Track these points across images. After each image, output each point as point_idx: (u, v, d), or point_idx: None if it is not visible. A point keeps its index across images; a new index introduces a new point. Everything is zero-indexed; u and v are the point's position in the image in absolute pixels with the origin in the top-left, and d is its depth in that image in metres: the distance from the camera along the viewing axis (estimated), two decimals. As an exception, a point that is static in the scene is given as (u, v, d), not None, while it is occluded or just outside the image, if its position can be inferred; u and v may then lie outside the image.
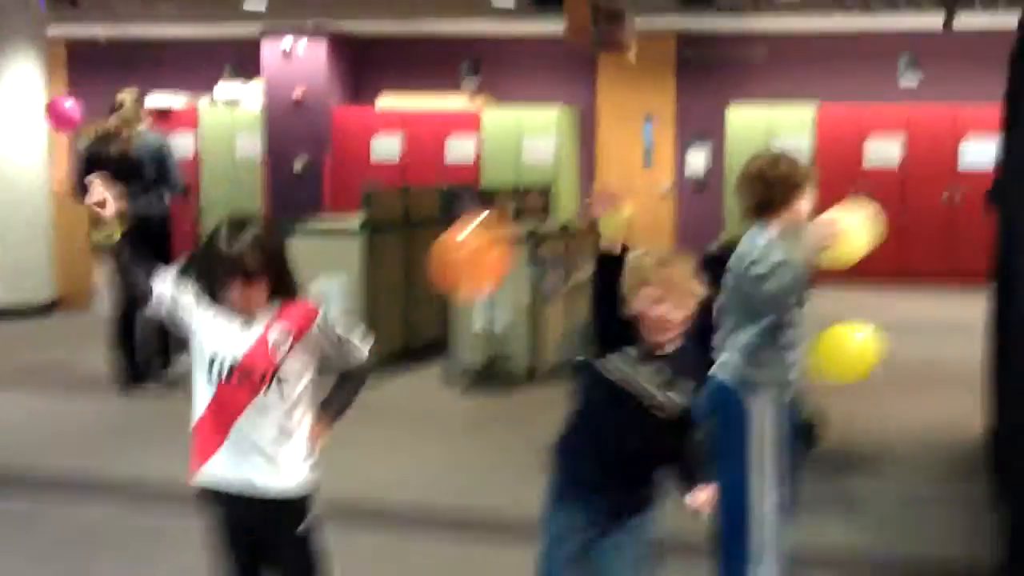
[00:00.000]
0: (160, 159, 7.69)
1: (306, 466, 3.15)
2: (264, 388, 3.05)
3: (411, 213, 8.70)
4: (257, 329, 3.07)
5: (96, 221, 3.28)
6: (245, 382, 3.05)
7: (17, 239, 10.37)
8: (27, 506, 5.26)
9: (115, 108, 7.68)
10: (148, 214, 7.42)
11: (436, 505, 5.29)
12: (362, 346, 3.22)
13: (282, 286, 3.10)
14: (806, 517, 4.32)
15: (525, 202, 9.29)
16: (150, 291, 3.12)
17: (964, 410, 6.80)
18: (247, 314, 3.06)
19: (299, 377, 3.11)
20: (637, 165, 14.56)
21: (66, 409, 7.07)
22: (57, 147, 11.10)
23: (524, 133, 14.28)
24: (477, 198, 8.49)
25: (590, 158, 14.75)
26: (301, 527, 3.15)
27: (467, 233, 3.38)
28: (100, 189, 3.22)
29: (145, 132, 7.76)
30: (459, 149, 14.41)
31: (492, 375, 7.73)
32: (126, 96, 7.74)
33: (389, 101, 14.88)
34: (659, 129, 14.53)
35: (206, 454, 3.10)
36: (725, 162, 13.49)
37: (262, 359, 3.05)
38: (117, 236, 3.16)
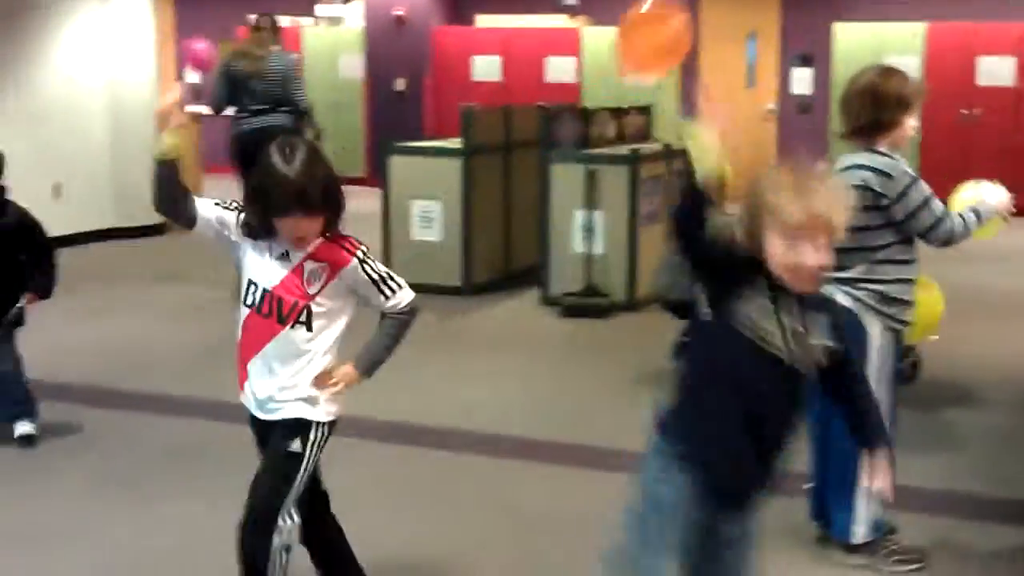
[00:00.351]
0: (287, 79, 8.23)
1: (320, 401, 3.06)
2: (292, 322, 2.98)
3: (512, 134, 8.70)
4: (293, 262, 2.98)
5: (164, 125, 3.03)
6: (274, 313, 2.98)
7: (127, 161, 10.60)
8: (140, 418, 5.46)
9: (253, 29, 8.38)
10: (274, 132, 7.83)
11: (531, 429, 5.35)
12: (401, 294, 3.08)
13: (334, 219, 2.98)
14: (900, 453, 4.27)
15: (625, 122, 9.21)
16: (194, 214, 3.00)
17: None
18: (299, 246, 2.95)
19: (331, 315, 3.02)
20: (739, 85, 14.30)
21: (175, 327, 7.27)
22: (165, 69, 11.26)
23: (625, 52, 14.10)
24: (578, 118, 8.44)
25: (691, 78, 14.53)
26: (294, 444, 3.05)
27: (649, 5, 3.22)
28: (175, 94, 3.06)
29: (277, 52, 8.31)
30: (559, 69, 14.29)
31: (590, 301, 7.74)
32: (264, 19, 8.37)
33: (488, 20, 14.80)
34: (762, 48, 14.23)
35: (240, 375, 3.11)
36: (831, 82, 13.19)
37: (293, 293, 2.97)
38: (171, 154, 2.98)
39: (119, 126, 10.59)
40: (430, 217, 8.22)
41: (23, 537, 4.09)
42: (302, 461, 3.06)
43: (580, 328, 7.40)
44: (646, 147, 8.40)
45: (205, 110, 9.45)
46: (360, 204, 9.01)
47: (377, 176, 8.92)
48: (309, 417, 3.06)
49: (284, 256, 2.98)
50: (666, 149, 8.40)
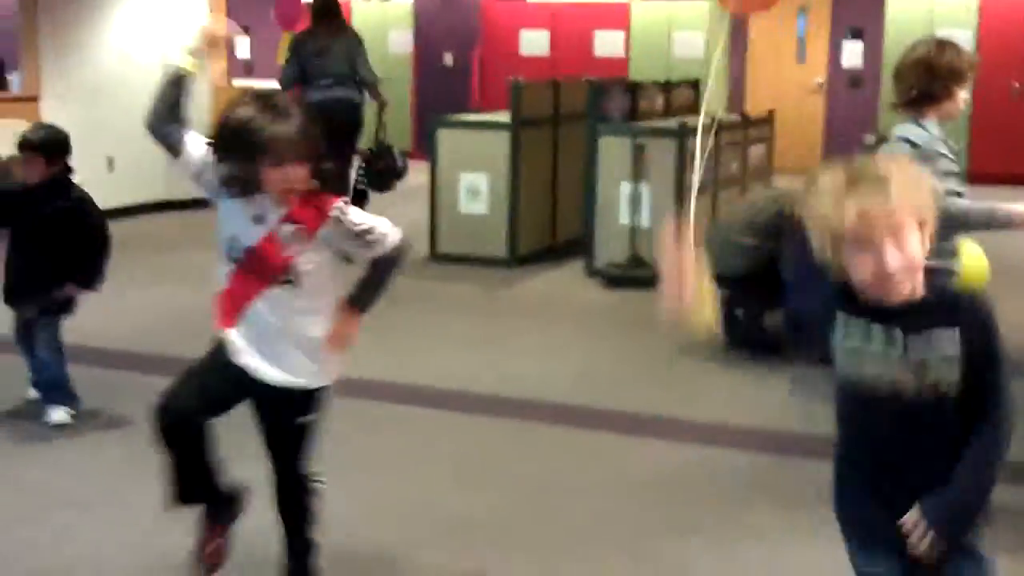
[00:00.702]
0: (352, 54, 8.50)
1: (320, 361, 3.04)
2: (275, 282, 2.94)
3: (559, 107, 8.71)
4: (267, 225, 2.91)
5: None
6: (256, 272, 2.94)
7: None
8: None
9: (314, 9, 8.61)
10: (339, 103, 8.23)
11: (574, 398, 5.38)
12: (389, 235, 3.02)
13: (317, 171, 2.90)
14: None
15: (673, 96, 9.20)
16: (181, 143, 2.99)
17: None
18: (284, 198, 2.87)
19: (315, 273, 2.97)
20: (789, 60, 14.21)
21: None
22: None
23: (674, 27, 14.05)
24: (626, 92, 8.44)
25: (741, 52, 14.45)
26: (303, 418, 3.07)
27: None
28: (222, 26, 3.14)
29: (342, 28, 8.61)
30: (608, 43, 14.26)
31: (635, 272, 7.75)
32: None
33: (537, -6, 14.82)
34: (813, 22, 14.12)
35: (227, 324, 3.03)
36: (882, 56, 13.07)
37: (272, 254, 2.92)
38: (189, 70, 3.01)
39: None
40: (477, 190, 8.27)
41: (71, 502, 4.17)
42: (316, 424, 3.12)
43: (625, 299, 7.42)
44: (694, 120, 8.37)
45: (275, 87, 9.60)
46: (408, 177, 9.12)
47: (425, 149, 8.99)
48: (317, 384, 3.07)
49: (260, 219, 2.92)
50: (715, 123, 8.37)
